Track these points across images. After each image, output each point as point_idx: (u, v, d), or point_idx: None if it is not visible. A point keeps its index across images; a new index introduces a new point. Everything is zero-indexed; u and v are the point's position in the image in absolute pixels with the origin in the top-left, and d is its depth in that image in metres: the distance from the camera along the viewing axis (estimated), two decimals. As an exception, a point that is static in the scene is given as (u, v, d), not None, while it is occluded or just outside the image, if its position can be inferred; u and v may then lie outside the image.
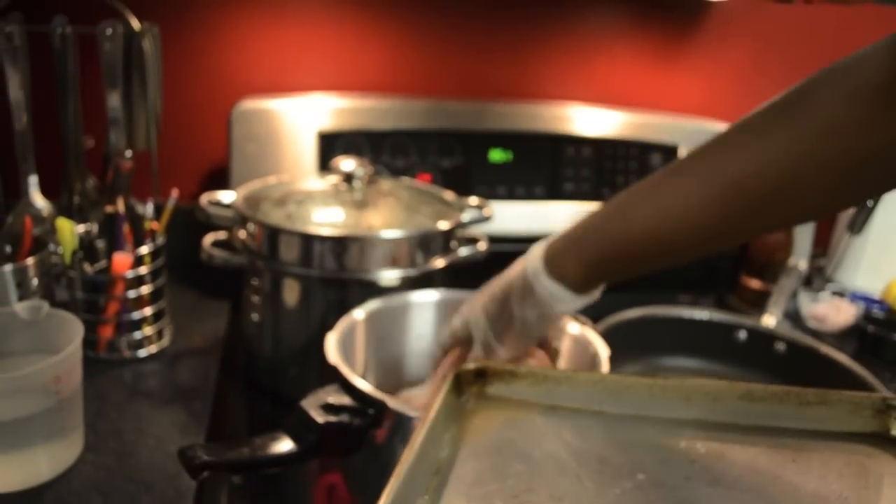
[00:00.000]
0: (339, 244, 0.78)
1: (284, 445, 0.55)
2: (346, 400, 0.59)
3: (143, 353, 0.88)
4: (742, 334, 0.98)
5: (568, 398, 0.48)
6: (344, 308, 0.79)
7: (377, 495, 0.62)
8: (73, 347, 0.65)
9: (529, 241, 1.21)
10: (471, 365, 0.49)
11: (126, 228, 0.85)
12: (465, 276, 0.89)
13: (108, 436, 0.72)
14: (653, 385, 0.47)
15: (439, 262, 0.84)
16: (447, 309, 0.78)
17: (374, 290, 0.80)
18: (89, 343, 0.85)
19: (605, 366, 0.65)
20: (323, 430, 0.56)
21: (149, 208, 0.88)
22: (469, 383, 0.49)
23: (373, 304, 0.74)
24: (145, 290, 0.86)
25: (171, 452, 0.71)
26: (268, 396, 0.86)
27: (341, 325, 0.69)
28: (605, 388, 0.47)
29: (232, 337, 0.96)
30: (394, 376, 0.78)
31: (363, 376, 0.71)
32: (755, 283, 1.20)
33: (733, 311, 1.04)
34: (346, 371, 0.60)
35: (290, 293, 0.81)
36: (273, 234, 0.80)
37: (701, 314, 0.99)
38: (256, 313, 0.85)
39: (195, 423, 0.76)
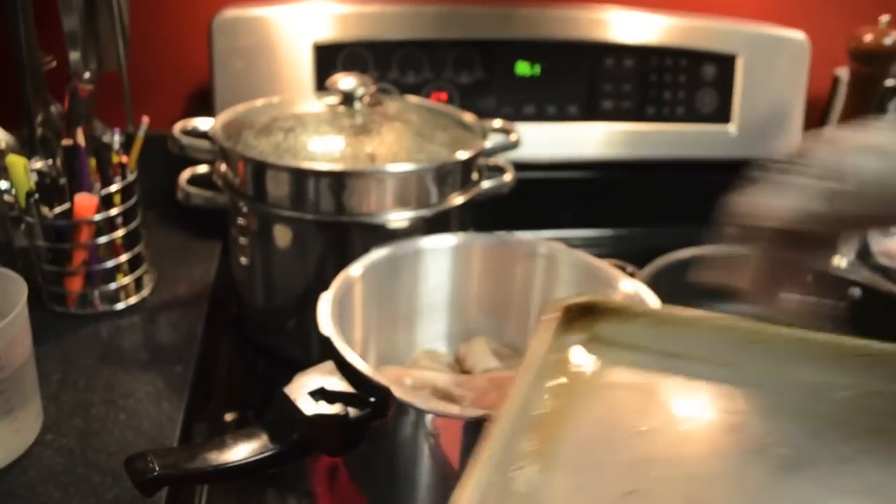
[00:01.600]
0: (337, 181, 0.65)
1: (262, 447, 0.44)
2: (341, 384, 0.47)
3: (120, 305, 0.76)
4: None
5: (692, 346, 0.41)
6: (346, 253, 0.67)
7: (384, 485, 0.51)
8: (16, 314, 0.53)
9: (562, 168, 1.10)
10: (577, 298, 0.43)
11: (92, 164, 0.73)
12: (487, 212, 0.77)
13: (72, 410, 0.62)
14: (800, 339, 0.39)
15: (457, 199, 0.71)
16: (467, 256, 0.65)
17: (380, 233, 0.68)
18: (57, 297, 0.74)
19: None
20: (312, 424, 0.45)
21: (116, 139, 0.75)
22: (576, 321, 0.43)
23: (375, 255, 0.61)
24: (118, 234, 0.74)
25: (145, 430, 0.60)
26: (262, 354, 0.75)
27: (337, 283, 0.56)
28: (738, 338, 0.41)
29: (222, 284, 0.84)
30: (402, 342, 0.66)
31: (364, 344, 0.60)
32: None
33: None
34: (341, 346, 0.48)
35: (282, 239, 0.69)
36: (257, 170, 0.67)
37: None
38: (245, 257, 0.73)
39: (175, 391, 0.65)
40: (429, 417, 0.45)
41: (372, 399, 0.46)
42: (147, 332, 0.74)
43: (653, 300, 0.56)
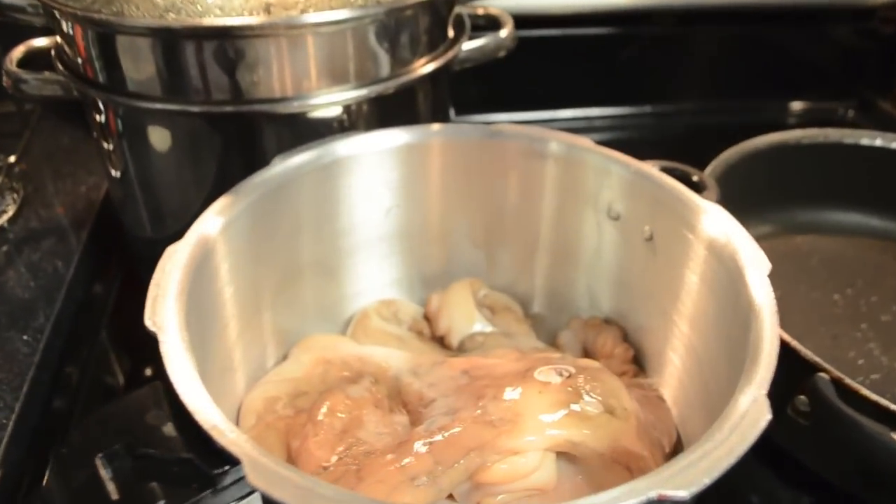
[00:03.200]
0: (230, 44, 0.40)
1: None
2: (165, 435, 0.25)
3: (-32, 238, 0.54)
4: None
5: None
6: (256, 158, 0.44)
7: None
8: None
9: (578, 22, 0.82)
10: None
11: None
12: (470, 90, 0.52)
13: None
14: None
15: (423, 67, 0.46)
16: (437, 159, 0.42)
17: (302, 127, 0.44)
18: None
19: (766, 324, 0.29)
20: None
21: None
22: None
23: (278, 169, 0.38)
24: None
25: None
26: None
27: (196, 234, 0.33)
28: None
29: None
30: (335, 295, 0.44)
31: (255, 304, 0.37)
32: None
33: (890, 128, 0.63)
34: (176, 356, 0.26)
35: (159, 143, 0.46)
36: (104, 39, 0.42)
37: (866, 138, 0.59)
38: (115, 169, 0.49)
39: (9, 382, 0.44)
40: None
41: (217, 471, 0.24)
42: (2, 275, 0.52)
43: (755, 259, 0.32)
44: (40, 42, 0.49)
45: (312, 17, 0.41)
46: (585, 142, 0.40)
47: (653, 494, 0.22)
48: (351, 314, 0.45)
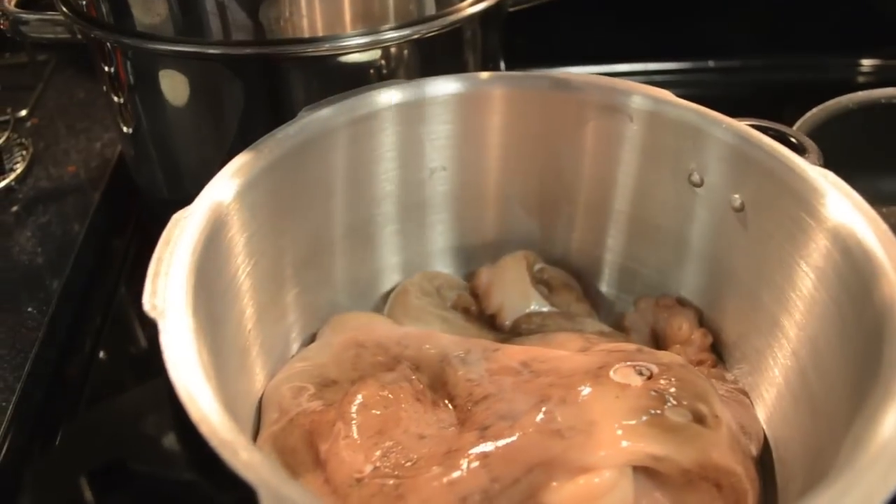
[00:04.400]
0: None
1: None
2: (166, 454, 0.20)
3: (-25, 197, 0.50)
4: None
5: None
6: (280, 106, 0.39)
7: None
8: None
9: None
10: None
11: None
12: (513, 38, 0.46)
13: None
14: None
15: (469, 7, 0.40)
16: (495, 112, 0.36)
17: (333, 72, 0.38)
18: None
19: None
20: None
21: None
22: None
23: (307, 121, 0.32)
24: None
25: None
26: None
27: (197, 212, 0.28)
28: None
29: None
30: (367, 269, 0.38)
31: (278, 276, 0.33)
32: None
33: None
34: (179, 368, 0.21)
35: (172, 90, 0.40)
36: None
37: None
38: (126, 125, 0.44)
39: (16, 354, 0.40)
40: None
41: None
42: (9, 240, 0.48)
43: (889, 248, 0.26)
44: (42, -21, 0.44)
45: (347, -56, 0.35)
46: (668, 95, 0.34)
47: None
48: (387, 290, 0.40)
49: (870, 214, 0.28)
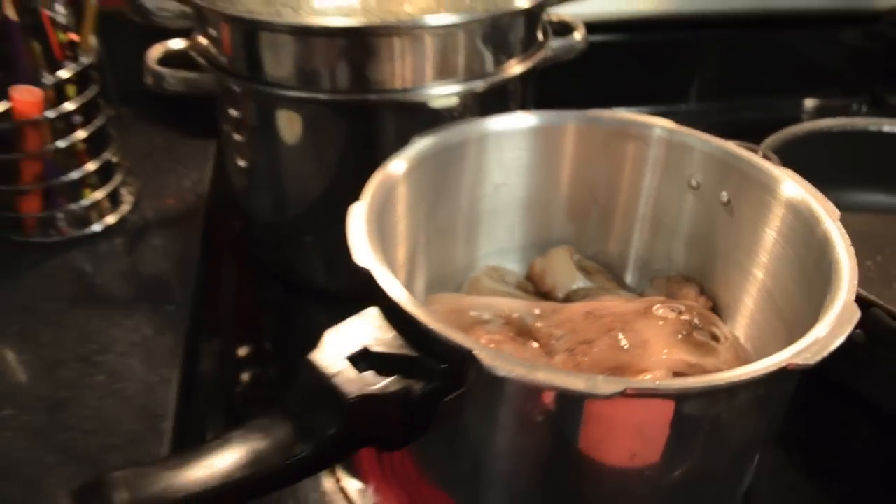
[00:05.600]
0: (360, 42, 0.47)
1: (287, 448, 0.29)
2: (394, 341, 0.31)
3: (95, 228, 0.61)
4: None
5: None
6: (375, 144, 0.51)
7: (468, 475, 0.36)
8: None
9: (637, 28, 0.90)
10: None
11: (35, 47, 0.55)
12: (553, 84, 0.59)
13: (35, 374, 0.47)
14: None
15: (518, 66, 0.53)
16: (552, 142, 0.48)
17: (419, 116, 0.50)
18: (11, 224, 0.59)
19: (846, 271, 0.35)
20: (357, 410, 0.29)
21: (59, 9, 0.57)
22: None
23: (422, 145, 0.44)
24: (78, 136, 0.58)
25: (131, 396, 0.46)
26: (274, 278, 0.60)
27: (372, 187, 0.40)
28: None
29: (220, 193, 0.68)
30: (459, 259, 0.50)
31: (410, 266, 0.44)
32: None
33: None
34: (391, 286, 0.32)
35: (289, 130, 0.52)
36: (249, 35, 0.49)
37: (892, 126, 0.67)
38: (243, 159, 0.56)
39: (169, 339, 0.50)
40: (538, 393, 0.30)
41: (441, 364, 0.30)
42: (127, 262, 0.58)
43: (828, 211, 0.39)
44: (175, 44, 0.56)
45: (433, 20, 0.48)
46: (684, 127, 0.47)
47: (781, 364, 0.29)
48: (459, 284, 0.51)
49: (810, 189, 0.41)
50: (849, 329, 0.31)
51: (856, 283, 0.34)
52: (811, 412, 0.48)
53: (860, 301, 0.33)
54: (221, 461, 0.28)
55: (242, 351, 0.56)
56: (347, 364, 0.30)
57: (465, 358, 0.29)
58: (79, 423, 0.44)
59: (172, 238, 0.61)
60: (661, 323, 0.39)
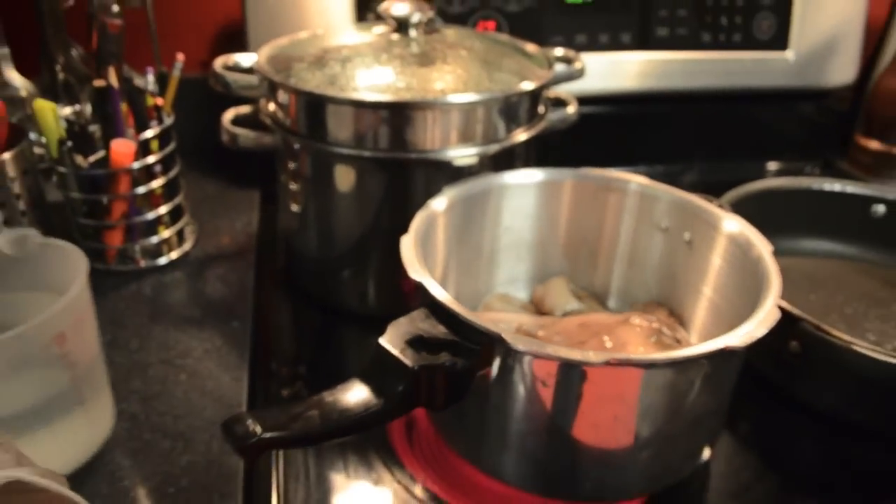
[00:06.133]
0: (400, 113, 0.60)
1: (367, 402, 0.40)
2: (440, 331, 0.43)
3: (162, 260, 0.72)
4: (880, 209, 0.80)
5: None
6: (406, 195, 0.63)
7: (477, 438, 0.47)
8: (78, 289, 0.45)
9: (620, 101, 1.04)
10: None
11: (124, 108, 0.67)
12: (552, 148, 0.71)
13: (128, 373, 0.58)
14: None
15: (524, 134, 0.65)
16: (555, 193, 0.61)
17: (445, 171, 0.62)
18: (96, 253, 0.70)
19: (773, 284, 0.47)
20: (417, 376, 0.40)
21: (150, 80, 0.70)
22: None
23: (456, 191, 0.56)
24: (156, 183, 0.69)
25: (210, 391, 0.56)
26: (317, 307, 0.71)
27: (419, 221, 0.52)
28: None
29: (266, 234, 0.80)
30: (480, 285, 0.62)
31: (442, 286, 0.55)
32: (875, 145, 1.00)
33: (847, 179, 0.84)
34: (437, 291, 0.44)
35: (338, 179, 0.64)
36: (311, 105, 0.61)
37: (832, 185, 0.80)
38: (297, 204, 0.68)
39: (235, 348, 0.61)
40: (549, 364, 0.41)
41: (475, 346, 0.42)
42: (194, 288, 0.69)
43: (762, 243, 0.51)
44: (243, 109, 0.68)
45: (460, 98, 0.61)
46: (654, 182, 0.59)
47: (721, 346, 0.41)
48: (474, 307, 0.63)
49: (746, 225, 0.53)
50: (771, 324, 0.43)
51: (778, 293, 0.46)
52: (758, 410, 0.60)
53: (792, 317, 0.45)
54: (328, 409, 0.39)
55: (288, 357, 0.67)
56: (406, 345, 0.42)
57: (494, 340, 0.41)
58: (169, 409, 0.54)
59: (230, 269, 0.72)
60: (637, 329, 0.50)
